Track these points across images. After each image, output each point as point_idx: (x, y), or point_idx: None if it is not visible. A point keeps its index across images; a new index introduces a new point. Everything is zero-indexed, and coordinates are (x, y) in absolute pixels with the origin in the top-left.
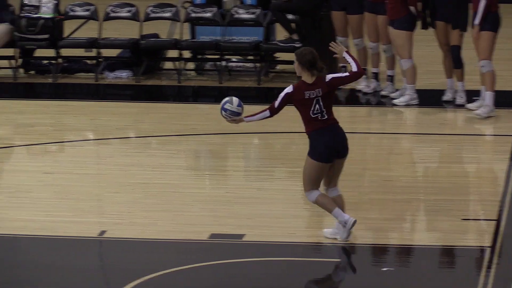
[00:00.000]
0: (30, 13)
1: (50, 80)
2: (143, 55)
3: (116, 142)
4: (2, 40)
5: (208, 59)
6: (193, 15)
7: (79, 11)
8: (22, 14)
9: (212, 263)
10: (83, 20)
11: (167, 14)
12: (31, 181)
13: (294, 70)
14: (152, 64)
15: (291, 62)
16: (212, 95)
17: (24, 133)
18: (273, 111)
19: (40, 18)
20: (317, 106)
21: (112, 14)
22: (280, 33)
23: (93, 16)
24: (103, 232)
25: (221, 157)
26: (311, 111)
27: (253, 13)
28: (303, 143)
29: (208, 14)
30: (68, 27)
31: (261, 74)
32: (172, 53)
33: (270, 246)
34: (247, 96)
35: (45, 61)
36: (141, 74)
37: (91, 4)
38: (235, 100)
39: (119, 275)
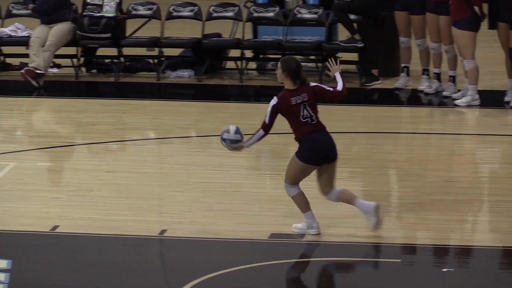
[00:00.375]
0: (93, 12)
1: (112, 79)
2: (205, 55)
3: (177, 141)
4: (64, 39)
5: (270, 59)
6: (256, 14)
7: (142, 10)
8: (84, 13)
9: (272, 263)
10: (145, 19)
11: (230, 14)
12: (92, 180)
13: (356, 70)
14: (214, 63)
15: (353, 62)
16: (273, 95)
17: (86, 131)
18: (266, 128)
19: (102, 17)
20: (305, 111)
21: (175, 14)
22: (342, 33)
23: (155, 15)
24: (163, 231)
25: (282, 157)
26: (301, 116)
27: (315, 13)
28: (364, 143)
29: (271, 14)
30: (131, 26)
31: (323, 74)
32: (234, 53)
33: (330, 246)
34: None
35: (107, 60)
36: (203, 73)
37: (153, 3)
38: (231, 128)
39: (179, 274)
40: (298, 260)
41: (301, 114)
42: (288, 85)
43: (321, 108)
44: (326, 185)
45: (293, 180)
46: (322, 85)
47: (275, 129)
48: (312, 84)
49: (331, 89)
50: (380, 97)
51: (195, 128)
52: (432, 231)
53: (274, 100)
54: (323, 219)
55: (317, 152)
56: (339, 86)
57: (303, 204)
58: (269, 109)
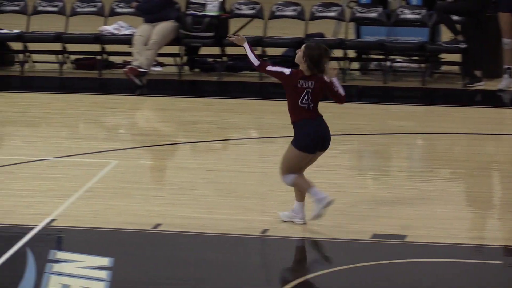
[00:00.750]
0: (196, 11)
1: (214, 78)
2: None
3: (279, 141)
4: (168, 37)
5: (373, 59)
6: (359, 14)
7: (245, 10)
8: (187, 12)
9: (374, 263)
10: (248, 18)
11: (333, 14)
12: (195, 178)
13: (459, 71)
14: None
15: (456, 64)
16: (376, 95)
17: (188, 130)
18: (260, 67)
19: (205, 16)
20: (306, 97)
21: (278, 13)
22: (446, 34)
23: (258, 15)
24: (265, 230)
25: (385, 157)
26: (299, 100)
27: (418, 14)
28: (467, 145)
29: (374, 14)
30: (234, 25)
31: (426, 75)
32: (337, 53)
33: (432, 247)
34: (412, 96)
35: (210, 59)
36: None
37: (256, 3)
38: None
39: (282, 274)
40: (400, 260)
41: (301, 98)
42: (304, 69)
43: (424, 109)
44: (303, 169)
45: (289, 171)
46: (336, 82)
47: (377, 129)
48: (326, 78)
49: (338, 90)
50: (482, 99)
51: None
52: None
53: (287, 70)
54: (424, 220)
55: (314, 139)
56: (341, 92)
57: (304, 184)
58: (279, 69)
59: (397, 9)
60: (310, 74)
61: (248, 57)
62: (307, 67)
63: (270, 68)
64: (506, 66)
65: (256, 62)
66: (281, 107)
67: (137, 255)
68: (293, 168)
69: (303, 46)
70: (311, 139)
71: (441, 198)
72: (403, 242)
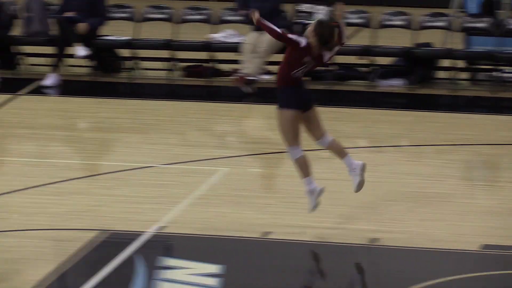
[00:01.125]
0: (304, 19)
1: (322, 87)
2: (416, 64)
3: (389, 150)
4: (276, 45)
5: (481, 69)
6: (467, 24)
7: (353, 18)
8: (296, 20)
9: (483, 274)
10: (356, 27)
11: (441, 24)
12: (302, 186)
13: None
14: (425, 73)
15: None
16: (484, 106)
17: None
18: (282, 36)
19: None
20: (301, 70)
21: (386, 22)
22: None
23: (367, 24)
24: (374, 239)
25: (494, 168)
26: (294, 71)
27: None
28: None
29: (482, 24)
30: None
31: None
32: (446, 62)
33: None
34: None
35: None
36: (414, 82)
37: (365, 12)
38: None
39: (389, 283)
40: (510, 272)
41: (296, 70)
42: (313, 44)
43: None
44: (313, 131)
45: (292, 139)
46: (331, 54)
47: (486, 140)
48: (327, 57)
49: (342, 33)
50: None
51: (407, 137)
52: None
53: (303, 42)
54: None
55: (299, 99)
56: (344, 36)
57: (305, 169)
58: (296, 37)
59: (506, 19)
60: (318, 52)
61: (268, 27)
62: (318, 44)
63: (289, 35)
64: None
65: (278, 29)
66: (390, 116)
67: (246, 263)
68: (293, 133)
69: (315, 21)
70: (296, 99)
71: None
72: None
